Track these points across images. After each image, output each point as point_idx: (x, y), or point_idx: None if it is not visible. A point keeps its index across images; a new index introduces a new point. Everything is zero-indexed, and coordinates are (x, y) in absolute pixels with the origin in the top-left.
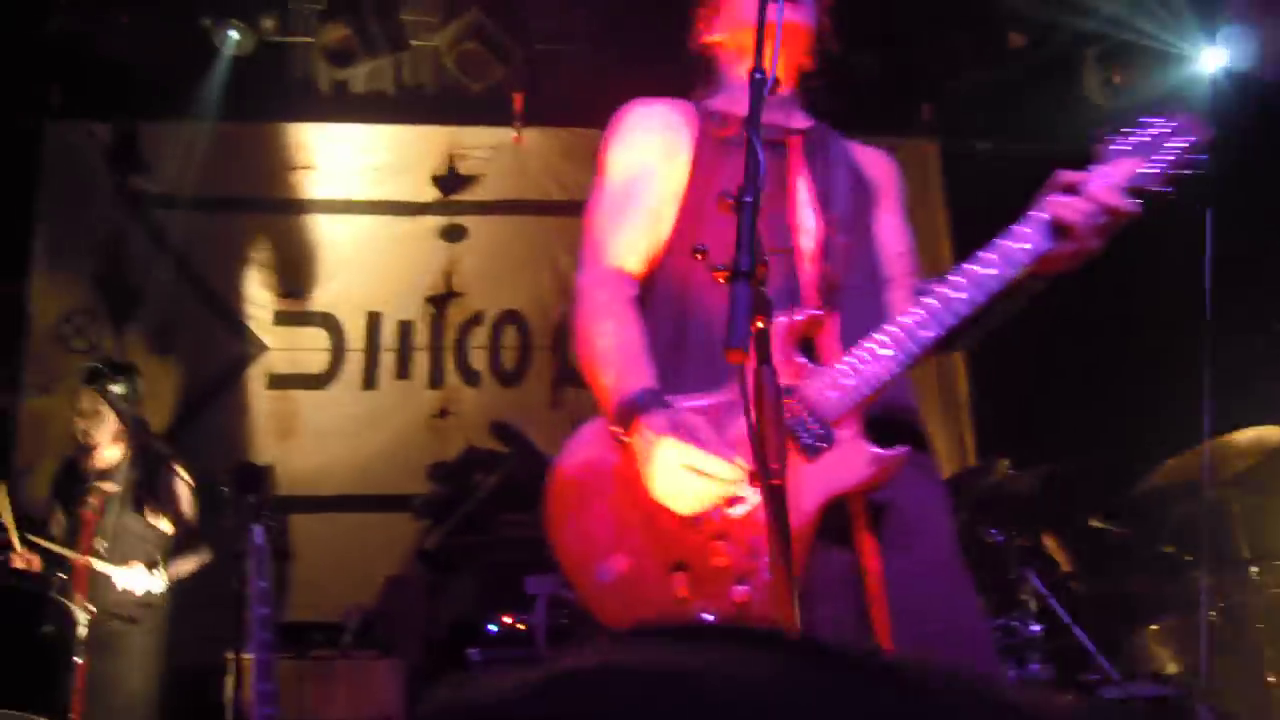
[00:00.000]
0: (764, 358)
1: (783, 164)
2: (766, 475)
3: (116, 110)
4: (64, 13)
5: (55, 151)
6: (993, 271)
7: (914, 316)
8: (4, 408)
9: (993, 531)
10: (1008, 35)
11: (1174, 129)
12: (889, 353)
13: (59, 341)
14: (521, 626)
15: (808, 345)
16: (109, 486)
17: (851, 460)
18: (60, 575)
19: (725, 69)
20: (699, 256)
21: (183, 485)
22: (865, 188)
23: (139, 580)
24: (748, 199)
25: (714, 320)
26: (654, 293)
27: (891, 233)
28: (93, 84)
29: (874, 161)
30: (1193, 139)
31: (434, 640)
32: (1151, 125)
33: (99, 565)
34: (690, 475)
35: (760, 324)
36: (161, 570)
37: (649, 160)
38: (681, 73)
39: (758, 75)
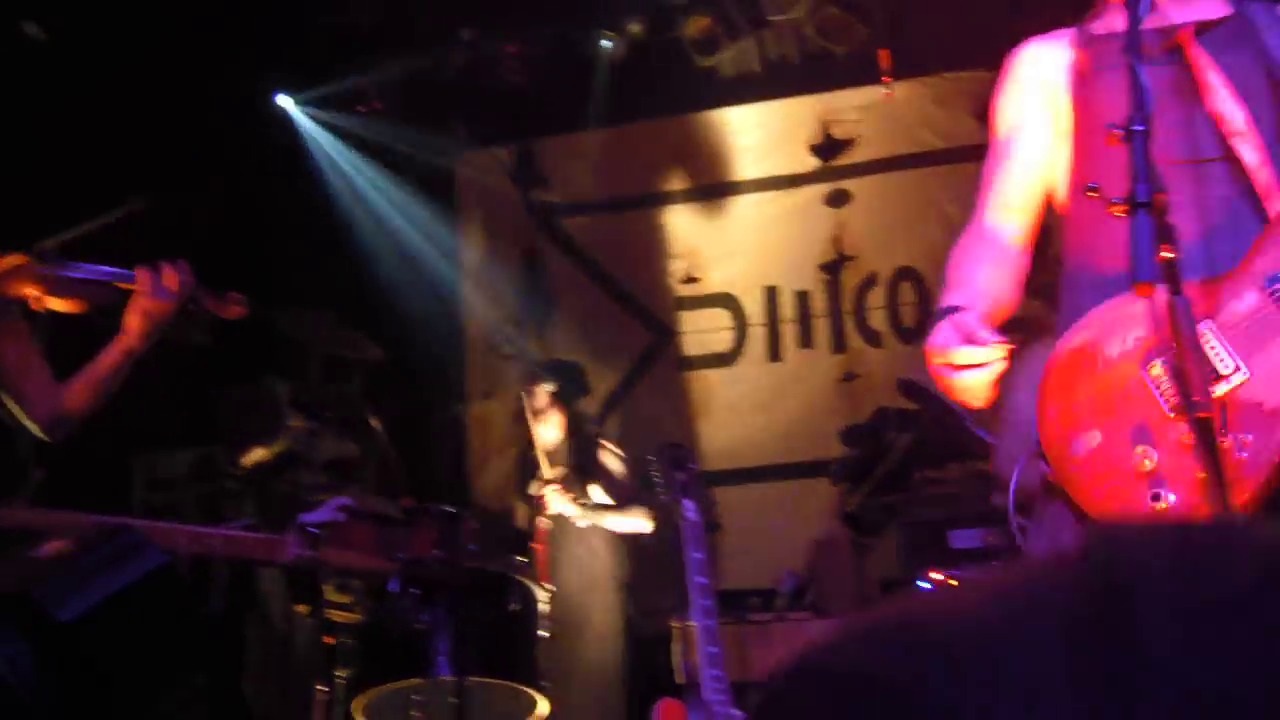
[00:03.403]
0: (1175, 288)
1: (1178, 71)
2: (1192, 409)
3: (515, 133)
4: (461, 54)
5: (468, 179)
6: None
7: None
8: (455, 414)
9: None
10: None
11: None
12: None
13: (491, 350)
14: (952, 582)
15: None
16: (554, 472)
17: None
18: (523, 560)
19: None
20: (1092, 195)
21: (613, 459)
22: None
23: (570, 510)
24: (1137, 128)
25: (1105, 254)
26: (1066, 240)
27: None
28: (492, 113)
29: None
30: None
31: (866, 599)
32: None
33: (552, 502)
34: (950, 370)
35: (1168, 254)
36: (597, 516)
37: (1026, 111)
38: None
39: None
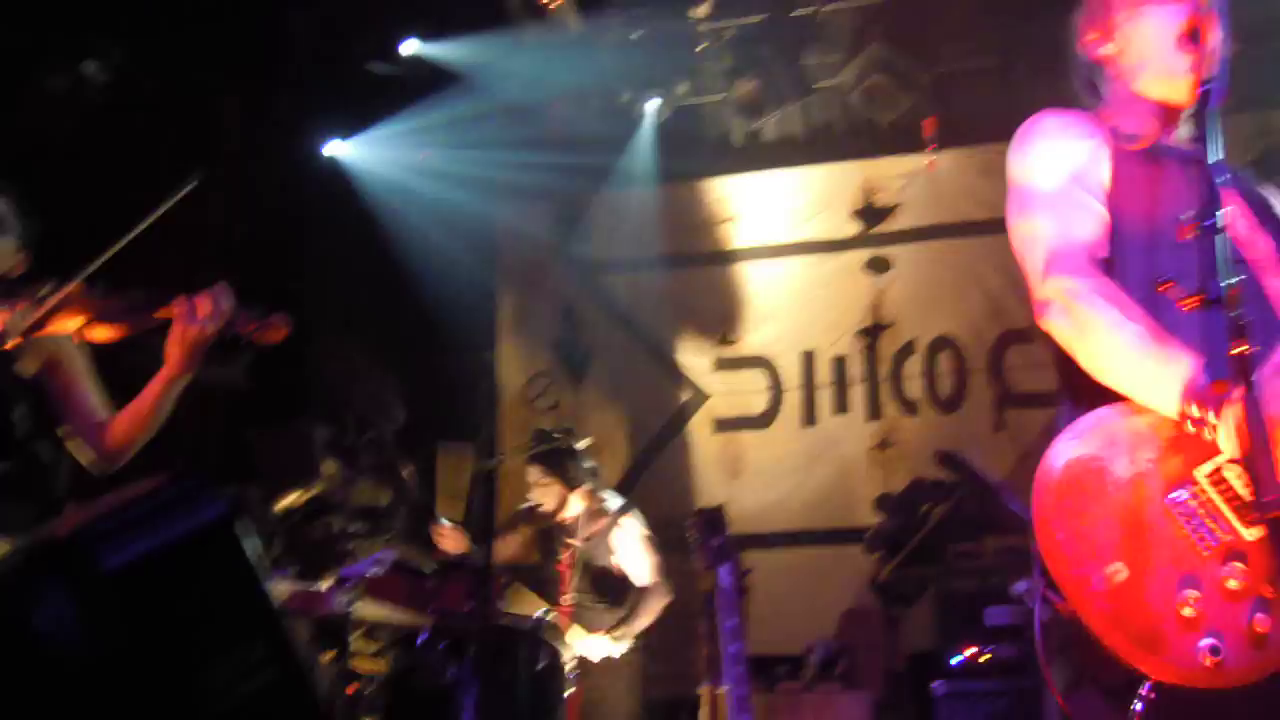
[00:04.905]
0: (1248, 384)
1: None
2: (1264, 508)
3: (558, 187)
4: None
5: (509, 231)
6: None
7: None
8: (487, 468)
9: None
10: None
11: None
12: None
13: (526, 404)
14: (984, 658)
15: None
16: (574, 542)
17: None
18: (549, 620)
19: (1115, 81)
20: (1163, 288)
21: (635, 539)
22: None
23: (601, 649)
24: (1209, 223)
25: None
26: None
27: None
28: (534, 165)
29: None
30: None
31: (896, 672)
32: None
33: (571, 640)
34: None
35: (1240, 349)
36: (623, 634)
37: (1079, 164)
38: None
39: (1206, 88)
